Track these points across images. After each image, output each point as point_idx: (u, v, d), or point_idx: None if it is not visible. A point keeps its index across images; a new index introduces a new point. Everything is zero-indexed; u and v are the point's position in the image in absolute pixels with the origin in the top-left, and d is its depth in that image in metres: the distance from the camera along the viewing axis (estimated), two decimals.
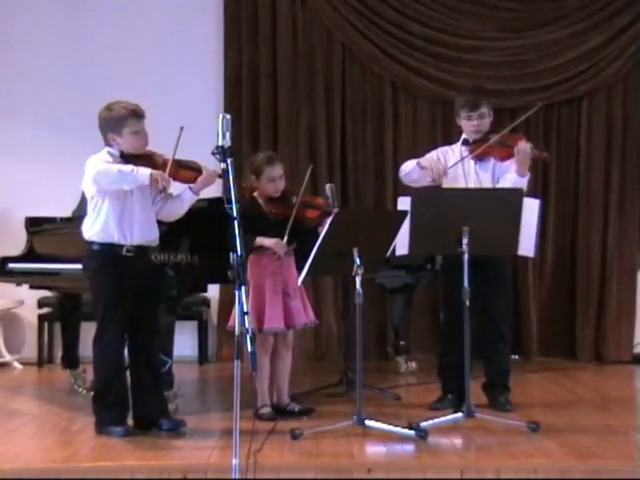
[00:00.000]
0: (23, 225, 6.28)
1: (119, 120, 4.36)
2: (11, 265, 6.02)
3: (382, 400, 5.27)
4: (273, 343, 4.83)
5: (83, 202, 4.82)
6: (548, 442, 4.21)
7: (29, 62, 7.18)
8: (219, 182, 4.38)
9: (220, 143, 3.80)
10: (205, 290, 5.44)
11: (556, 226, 7.15)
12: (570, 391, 5.76)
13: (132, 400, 4.52)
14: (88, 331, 4.60)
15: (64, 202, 5.45)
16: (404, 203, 4.46)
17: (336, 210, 4.70)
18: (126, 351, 4.56)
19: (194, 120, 4.35)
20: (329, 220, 4.29)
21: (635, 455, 3.99)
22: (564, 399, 5.44)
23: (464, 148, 5.00)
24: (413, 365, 6.45)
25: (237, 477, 3.55)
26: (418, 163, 4.96)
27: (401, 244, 4.51)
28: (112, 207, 4.36)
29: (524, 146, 4.76)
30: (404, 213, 4.42)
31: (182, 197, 4.50)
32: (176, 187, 4.53)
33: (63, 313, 6.16)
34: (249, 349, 3.54)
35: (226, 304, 6.83)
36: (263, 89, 7.16)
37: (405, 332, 6.56)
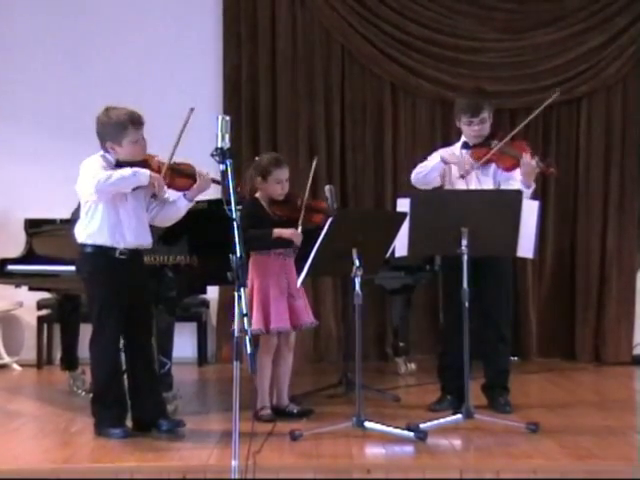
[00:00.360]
0: (22, 227, 6.29)
1: (118, 130, 4.33)
2: (10, 267, 6.03)
3: (381, 401, 5.27)
4: (276, 344, 4.84)
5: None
6: (547, 443, 4.21)
7: (29, 64, 7.18)
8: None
9: (219, 145, 3.80)
10: (204, 291, 5.44)
11: (555, 226, 7.15)
12: (569, 392, 5.77)
13: (130, 401, 4.52)
14: (87, 332, 4.60)
15: (63, 204, 5.44)
16: (403, 204, 4.46)
17: (335, 211, 4.72)
18: (124, 352, 4.57)
19: (193, 121, 4.33)
20: (328, 221, 4.29)
21: (634, 455, 4.00)
22: (563, 400, 5.44)
23: (464, 151, 4.99)
24: (412, 366, 6.45)
25: (236, 478, 3.55)
26: (442, 159, 4.94)
27: (400, 245, 4.51)
28: (106, 212, 4.36)
29: (529, 160, 4.76)
30: (403, 214, 4.42)
31: (178, 204, 4.50)
32: (171, 192, 4.54)
33: (62, 315, 6.16)
34: (248, 351, 3.54)
35: (225, 306, 6.83)
36: (262, 90, 7.16)
37: (404, 333, 6.55)
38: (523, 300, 7.09)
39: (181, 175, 4.47)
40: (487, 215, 4.47)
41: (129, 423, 4.49)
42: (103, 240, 4.37)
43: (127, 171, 4.26)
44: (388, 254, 4.57)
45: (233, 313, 3.65)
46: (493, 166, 4.94)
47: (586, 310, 7.11)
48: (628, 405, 5.47)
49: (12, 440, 4.55)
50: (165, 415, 4.53)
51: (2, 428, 4.77)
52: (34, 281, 6.07)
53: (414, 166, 5.14)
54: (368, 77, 7.21)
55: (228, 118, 3.83)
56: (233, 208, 3.73)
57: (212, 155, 3.82)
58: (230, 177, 3.78)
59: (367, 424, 4.31)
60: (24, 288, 6.31)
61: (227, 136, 3.80)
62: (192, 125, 4.32)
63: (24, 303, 6.97)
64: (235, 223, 3.72)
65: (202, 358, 7.06)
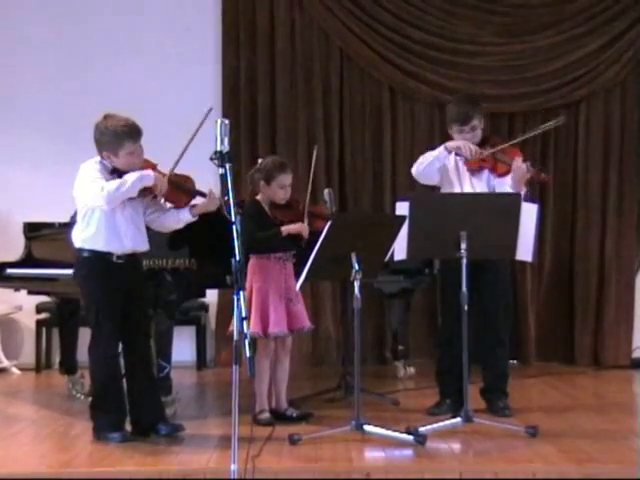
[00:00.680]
0: (21, 230, 6.28)
1: (116, 141, 4.32)
2: (9, 270, 6.01)
3: (380, 405, 5.27)
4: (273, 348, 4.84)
5: None
6: (547, 447, 4.21)
7: (29, 68, 7.18)
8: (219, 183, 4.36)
9: (218, 148, 3.80)
10: (203, 295, 5.44)
11: (554, 230, 7.15)
12: (568, 396, 5.76)
13: (129, 405, 4.51)
14: (86, 336, 4.59)
15: (62, 207, 5.43)
16: (402, 208, 4.46)
17: (333, 214, 4.72)
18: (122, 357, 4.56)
19: (192, 124, 4.33)
20: (327, 225, 4.29)
21: (634, 459, 3.98)
22: (562, 404, 5.44)
23: (458, 158, 5.00)
24: (411, 370, 6.44)
25: None
26: (446, 147, 4.93)
27: (399, 249, 4.51)
28: (103, 217, 4.35)
29: (520, 164, 4.77)
30: (402, 218, 4.42)
31: (180, 215, 4.49)
32: None
33: (61, 318, 6.15)
34: (247, 354, 3.54)
35: (224, 309, 6.83)
36: (261, 93, 7.16)
37: (403, 337, 6.55)
38: (522, 304, 7.09)
39: (181, 190, 4.46)
40: (486, 218, 4.47)
41: (128, 427, 4.48)
42: (100, 245, 4.37)
43: (132, 176, 4.26)
44: (387, 258, 4.56)
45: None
46: (486, 172, 4.95)
47: (585, 314, 7.11)
48: (627, 408, 5.46)
49: (11, 444, 4.54)
50: (164, 419, 4.53)
51: (1, 432, 4.76)
52: (33, 285, 6.06)
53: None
54: (367, 80, 7.22)
55: (227, 122, 3.82)
56: (232, 212, 3.73)
57: (211, 159, 3.82)
58: (229, 181, 3.78)
59: (366, 428, 4.31)
60: (23, 292, 6.30)
61: (226, 139, 3.80)
62: (191, 128, 4.32)
63: (23, 307, 6.98)
64: (234, 227, 3.71)
65: (201, 362, 7.06)
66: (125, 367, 4.55)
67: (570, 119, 7.17)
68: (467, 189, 4.95)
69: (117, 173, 4.36)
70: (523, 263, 6.44)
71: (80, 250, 4.42)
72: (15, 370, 6.94)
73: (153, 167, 4.46)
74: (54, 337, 6.89)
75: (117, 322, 4.40)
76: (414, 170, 5.05)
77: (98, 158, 4.41)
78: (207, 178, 4.52)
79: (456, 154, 4.98)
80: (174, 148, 4.41)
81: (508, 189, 4.81)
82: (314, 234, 4.67)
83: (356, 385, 4.38)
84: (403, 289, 6.37)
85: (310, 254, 4.27)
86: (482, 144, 4.96)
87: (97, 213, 4.35)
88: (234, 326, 3.63)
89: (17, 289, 6.25)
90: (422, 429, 4.33)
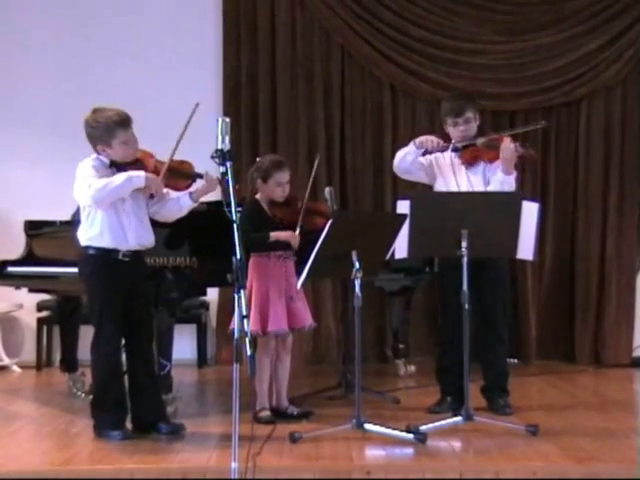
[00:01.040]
0: (22, 228, 6.28)
1: (107, 132, 4.32)
2: (10, 268, 6.01)
3: (381, 403, 5.27)
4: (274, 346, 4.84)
5: None
6: (547, 445, 4.21)
7: (29, 66, 7.18)
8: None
9: (219, 147, 3.80)
10: (204, 293, 5.44)
11: (555, 229, 7.15)
12: (569, 394, 5.76)
13: (130, 403, 4.52)
14: (87, 334, 4.60)
15: (63, 205, 5.44)
16: (403, 206, 4.46)
17: (334, 213, 4.72)
18: (124, 354, 4.57)
19: (193, 123, 4.33)
20: (328, 223, 4.29)
21: (634, 458, 3.99)
22: (563, 402, 5.44)
23: (454, 154, 5.00)
24: (412, 368, 6.45)
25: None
26: (414, 142, 4.97)
27: (400, 247, 4.51)
28: (106, 216, 4.35)
29: (508, 143, 4.78)
30: (403, 216, 4.42)
31: (181, 203, 4.48)
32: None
33: (62, 316, 6.16)
34: (248, 353, 3.54)
35: (225, 307, 6.83)
36: (262, 92, 7.16)
37: (404, 335, 6.56)
38: (523, 302, 7.08)
39: (179, 176, 4.46)
40: (487, 217, 4.47)
41: (129, 425, 4.49)
42: (105, 243, 4.37)
43: (121, 177, 4.25)
44: (388, 256, 4.56)
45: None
46: (482, 165, 4.96)
47: (586, 312, 7.10)
48: (628, 407, 5.47)
49: (11, 442, 4.54)
50: (165, 418, 4.53)
51: (1, 430, 4.76)
52: (34, 283, 6.07)
53: None
54: (368, 79, 7.22)
55: (228, 120, 3.83)
56: (233, 210, 3.73)
57: (212, 157, 3.82)
58: (230, 179, 3.78)
59: (367, 426, 4.31)
60: (24, 290, 6.31)
61: (227, 138, 3.81)
62: (192, 127, 4.31)
63: (24, 305, 6.98)
64: (235, 225, 3.72)
65: (202, 360, 7.06)
66: (127, 365, 4.56)
67: (571, 118, 7.18)
68: (464, 183, 4.96)
69: (115, 166, 4.36)
70: (524, 262, 6.44)
71: (86, 248, 4.42)
72: (16, 368, 6.94)
73: (150, 156, 4.46)
74: (55, 335, 6.90)
75: (119, 321, 4.41)
76: (394, 167, 5.11)
77: (94, 155, 4.41)
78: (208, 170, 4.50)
79: (452, 150, 4.99)
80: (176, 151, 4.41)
81: (499, 174, 4.81)
82: (312, 232, 4.69)
83: (357, 383, 4.38)
84: (404, 287, 6.38)
85: (311, 252, 4.27)
86: (476, 137, 4.98)
87: (100, 212, 4.35)
88: (234, 324, 3.63)
89: (18, 287, 6.25)
90: (423, 427, 4.33)
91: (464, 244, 4.40)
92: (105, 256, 4.38)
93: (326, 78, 7.19)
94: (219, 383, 6.38)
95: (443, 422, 4.50)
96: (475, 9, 7.15)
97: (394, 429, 4.33)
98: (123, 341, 4.52)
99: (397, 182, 7.09)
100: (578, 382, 6.28)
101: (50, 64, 7.20)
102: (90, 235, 4.39)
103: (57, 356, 6.80)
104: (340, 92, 7.21)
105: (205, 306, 7.14)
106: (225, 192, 3.84)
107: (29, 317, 7.14)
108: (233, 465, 3.54)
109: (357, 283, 4.29)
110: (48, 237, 6.08)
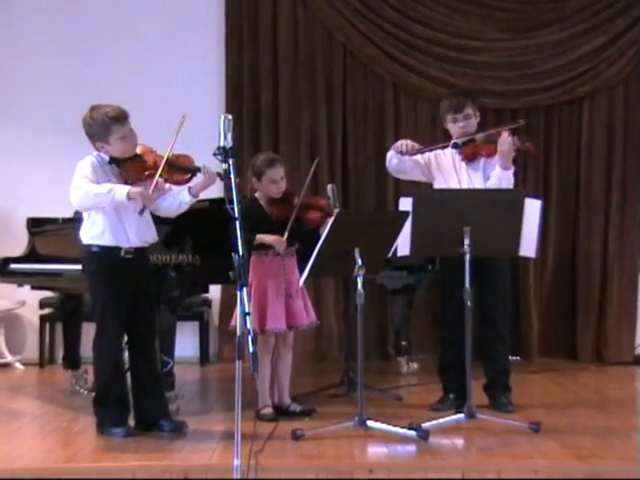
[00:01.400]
0: (25, 226, 6.29)
1: (104, 129, 4.32)
2: (13, 266, 6.02)
3: (383, 401, 5.27)
4: (274, 344, 4.84)
5: None
6: (549, 443, 4.21)
7: (30, 63, 7.19)
8: (220, 182, 4.37)
9: (222, 144, 3.80)
10: (206, 291, 5.44)
11: (557, 227, 7.15)
12: (571, 392, 5.76)
13: (133, 401, 4.52)
14: (89, 332, 4.61)
15: (66, 203, 5.42)
16: (405, 204, 4.46)
17: (337, 211, 4.71)
18: (127, 352, 4.57)
19: (195, 121, 4.33)
20: (330, 221, 4.30)
21: (636, 456, 3.99)
22: (565, 400, 5.44)
23: (454, 151, 5.01)
24: (414, 366, 6.45)
25: (238, 478, 3.55)
26: (393, 147, 5.01)
27: (402, 245, 4.50)
28: (107, 215, 4.35)
29: (506, 137, 4.78)
30: (405, 214, 4.41)
31: (180, 198, 4.46)
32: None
33: (64, 314, 6.17)
34: (250, 350, 3.54)
35: (227, 305, 6.84)
36: (264, 90, 7.16)
37: (406, 333, 6.56)
38: (525, 300, 7.09)
39: (180, 170, 4.44)
40: (489, 214, 4.46)
41: (131, 422, 4.49)
42: (107, 242, 4.38)
43: (104, 188, 4.21)
44: (390, 254, 4.57)
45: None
46: (482, 161, 4.96)
47: (588, 310, 7.11)
48: (630, 405, 5.47)
49: (14, 439, 4.55)
50: (167, 416, 4.53)
51: (4, 427, 4.77)
52: (36, 280, 6.07)
53: None
54: (370, 77, 7.22)
55: (230, 117, 3.83)
56: (235, 207, 3.73)
57: (214, 154, 3.82)
58: (232, 176, 3.78)
59: (369, 424, 4.31)
60: (26, 287, 6.31)
61: (229, 135, 3.80)
62: (194, 125, 4.32)
63: (26, 302, 6.98)
64: (237, 222, 3.72)
65: (204, 357, 7.07)
66: (129, 362, 4.56)
67: (573, 116, 7.18)
68: (464, 180, 4.97)
69: (115, 162, 4.37)
70: (526, 260, 6.44)
71: (88, 246, 4.43)
72: (18, 365, 6.96)
73: (150, 151, 4.45)
74: (57, 332, 6.91)
75: (122, 318, 4.41)
76: (387, 166, 5.14)
77: (95, 152, 4.41)
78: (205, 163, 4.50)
79: (452, 147, 4.99)
80: (177, 147, 4.39)
81: (497, 169, 4.82)
82: (306, 226, 4.69)
83: (359, 381, 4.38)
84: (406, 285, 6.38)
85: (313, 250, 4.27)
86: (476, 133, 4.99)
87: (100, 211, 4.35)
88: (236, 322, 3.63)
89: (21, 284, 6.25)
90: (425, 425, 4.34)
91: (466, 242, 4.40)
92: (108, 254, 4.38)
93: (328, 77, 7.19)
94: (221, 381, 6.38)
95: (445, 420, 4.50)
96: (478, 7, 7.15)
97: (396, 427, 4.33)
98: (126, 338, 4.53)
99: (399, 180, 7.03)
100: (580, 380, 6.28)
101: (52, 61, 7.20)
102: (92, 234, 4.40)
103: (60, 353, 6.80)
104: (342, 90, 7.21)
105: (207, 304, 7.15)
106: (227, 189, 3.84)
107: (32, 314, 7.14)
108: (235, 463, 3.54)
109: (359, 280, 4.29)
110: (50, 234, 6.09)
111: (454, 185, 4.97)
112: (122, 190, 4.20)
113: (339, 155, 7.20)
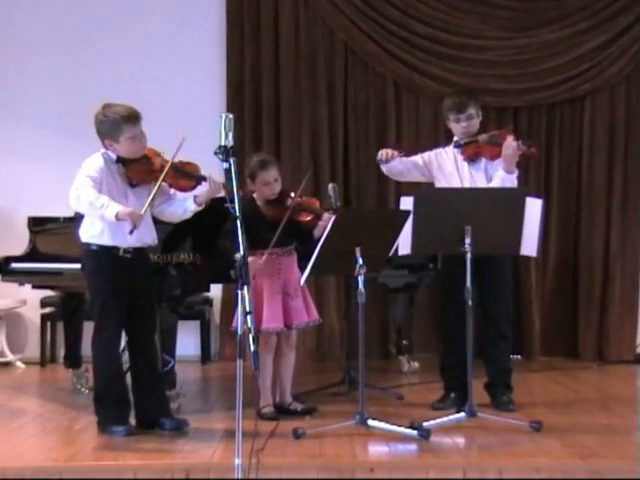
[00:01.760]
0: (26, 225, 6.29)
1: (114, 127, 4.32)
2: (14, 265, 6.02)
3: (385, 399, 5.27)
4: (276, 342, 4.83)
5: None
6: (550, 441, 4.21)
7: (31, 63, 7.18)
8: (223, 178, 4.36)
9: (223, 143, 3.80)
10: (208, 289, 5.45)
11: (559, 226, 7.15)
12: (573, 390, 5.76)
13: (133, 399, 4.53)
14: (90, 331, 4.60)
15: (67, 202, 5.44)
16: (407, 202, 4.46)
17: (332, 211, 4.71)
18: (127, 351, 4.57)
19: (196, 120, 4.35)
20: (332, 220, 4.29)
21: (637, 454, 3.98)
22: (567, 399, 5.43)
23: (456, 150, 5.01)
24: (415, 364, 6.45)
25: (240, 476, 3.55)
26: (377, 160, 5.08)
27: (404, 244, 4.50)
28: None
29: (511, 141, 4.78)
30: (407, 213, 4.41)
31: (185, 206, 4.47)
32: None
33: (66, 313, 6.17)
34: (251, 348, 3.54)
35: (228, 303, 6.84)
36: (265, 89, 7.16)
37: (407, 331, 6.56)
38: (526, 299, 7.09)
39: (185, 176, 4.45)
40: (491, 213, 4.47)
41: (132, 421, 4.49)
42: (106, 241, 4.38)
43: (99, 201, 4.17)
44: (391, 252, 4.56)
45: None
46: (483, 161, 4.96)
47: (589, 309, 7.11)
48: (631, 404, 5.46)
49: (15, 438, 4.54)
50: (168, 414, 4.54)
51: (6, 426, 4.77)
52: (38, 279, 6.07)
53: None
54: (371, 75, 7.22)
55: (231, 116, 3.82)
56: (236, 206, 3.73)
57: (216, 153, 3.82)
58: (233, 175, 3.78)
59: (370, 422, 4.31)
60: (28, 286, 6.30)
61: (230, 134, 3.80)
62: (196, 124, 4.32)
63: (28, 301, 6.98)
64: (239, 221, 3.71)
65: (205, 356, 7.07)
66: (130, 361, 4.56)
67: (575, 114, 7.18)
68: (467, 180, 4.96)
69: (122, 162, 4.37)
70: (528, 259, 6.43)
71: (87, 245, 4.43)
72: (20, 364, 6.96)
73: (157, 155, 4.45)
74: (59, 331, 6.91)
75: (122, 317, 4.41)
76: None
77: (102, 150, 4.41)
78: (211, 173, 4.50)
79: (454, 146, 4.99)
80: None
81: (501, 172, 4.81)
82: (302, 227, 4.70)
83: (360, 380, 4.38)
84: (407, 284, 6.38)
85: (314, 249, 4.27)
86: (479, 133, 4.98)
87: None
88: (237, 320, 3.63)
89: (22, 283, 6.24)
90: (426, 424, 4.33)
91: (468, 240, 4.40)
92: (107, 253, 4.38)
93: (330, 75, 7.19)
94: (222, 379, 6.38)
95: (446, 418, 4.50)
96: (479, 5, 7.15)
97: (398, 425, 4.33)
98: (125, 337, 4.53)
99: None
100: (581, 378, 6.28)
101: (53, 61, 7.19)
102: (91, 233, 4.40)
103: (61, 352, 6.80)
104: (344, 89, 7.21)
105: (209, 302, 7.15)
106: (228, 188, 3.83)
107: (33, 313, 7.15)
108: (236, 461, 3.54)
109: (360, 279, 4.29)
110: (52, 233, 6.09)
111: (456, 185, 4.96)
112: (113, 209, 4.14)
113: (340, 154, 7.20)
